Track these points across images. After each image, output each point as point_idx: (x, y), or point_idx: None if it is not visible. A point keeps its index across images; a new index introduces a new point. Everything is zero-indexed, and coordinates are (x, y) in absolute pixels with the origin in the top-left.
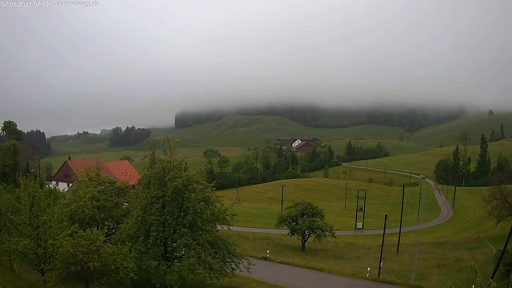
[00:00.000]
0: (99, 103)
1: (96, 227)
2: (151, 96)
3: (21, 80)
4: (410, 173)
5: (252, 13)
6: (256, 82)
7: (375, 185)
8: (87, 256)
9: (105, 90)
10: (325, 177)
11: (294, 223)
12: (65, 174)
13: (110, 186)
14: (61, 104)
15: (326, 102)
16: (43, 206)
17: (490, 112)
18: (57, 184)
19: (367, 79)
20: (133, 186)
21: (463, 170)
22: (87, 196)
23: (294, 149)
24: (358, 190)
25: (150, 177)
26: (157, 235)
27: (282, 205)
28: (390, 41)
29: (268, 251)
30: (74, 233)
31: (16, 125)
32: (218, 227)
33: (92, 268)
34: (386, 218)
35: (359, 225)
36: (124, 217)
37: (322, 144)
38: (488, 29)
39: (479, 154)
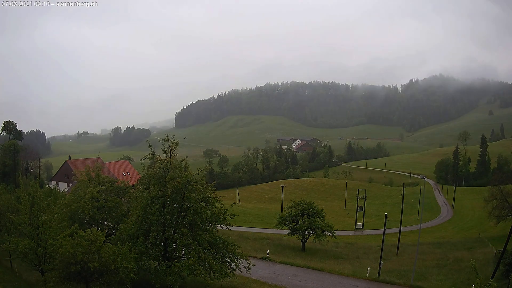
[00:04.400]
0: (99, 103)
1: (96, 227)
2: (151, 96)
3: (21, 80)
4: (410, 173)
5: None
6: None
7: (375, 185)
8: (87, 256)
9: (105, 89)
10: (325, 177)
11: (294, 223)
12: (65, 174)
13: (110, 186)
14: (61, 104)
15: None
16: (43, 206)
17: (490, 112)
18: (57, 184)
19: None
20: (133, 186)
21: (463, 170)
22: (87, 196)
23: (294, 149)
24: (358, 190)
25: (150, 177)
26: (157, 235)
27: (282, 205)
28: None
29: (268, 251)
30: (74, 233)
31: (16, 125)
32: (218, 227)
33: (92, 268)
34: (386, 218)
35: (359, 225)
36: (124, 217)
37: (322, 144)
38: None
39: (479, 154)
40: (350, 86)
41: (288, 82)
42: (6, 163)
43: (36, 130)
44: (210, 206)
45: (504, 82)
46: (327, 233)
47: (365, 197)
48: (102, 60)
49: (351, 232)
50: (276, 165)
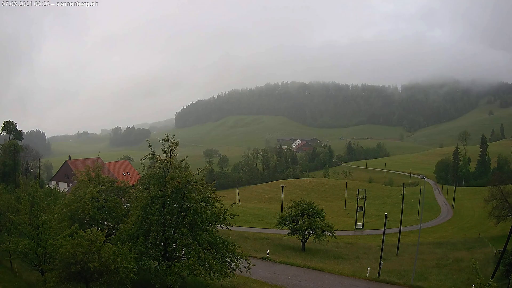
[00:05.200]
0: (99, 103)
1: (96, 227)
2: (151, 96)
3: (21, 80)
4: (410, 173)
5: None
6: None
7: (375, 185)
8: (87, 256)
9: (104, 90)
10: (325, 177)
11: (294, 223)
12: (65, 174)
13: (110, 186)
14: (61, 103)
15: None
16: (43, 206)
17: (490, 112)
18: (57, 184)
19: None
20: (133, 186)
21: (463, 170)
22: (87, 196)
23: (294, 149)
24: (358, 190)
25: (150, 177)
26: (157, 235)
27: (282, 205)
28: None
29: (268, 251)
30: (74, 233)
31: (16, 125)
32: (218, 227)
33: (92, 268)
34: (386, 218)
35: (359, 225)
36: (124, 217)
37: (322, 144)
38: None
39: (479, 154)
40: (350, 86)
41: (288, 82)
42: (6, 163)
43: (36, 130)
44: (210, 206)
45: (504, 82)
46: (327, 233)
47: (365, 197)
48: (101, 60)
49: (351, 232)
50: (276, 165)
